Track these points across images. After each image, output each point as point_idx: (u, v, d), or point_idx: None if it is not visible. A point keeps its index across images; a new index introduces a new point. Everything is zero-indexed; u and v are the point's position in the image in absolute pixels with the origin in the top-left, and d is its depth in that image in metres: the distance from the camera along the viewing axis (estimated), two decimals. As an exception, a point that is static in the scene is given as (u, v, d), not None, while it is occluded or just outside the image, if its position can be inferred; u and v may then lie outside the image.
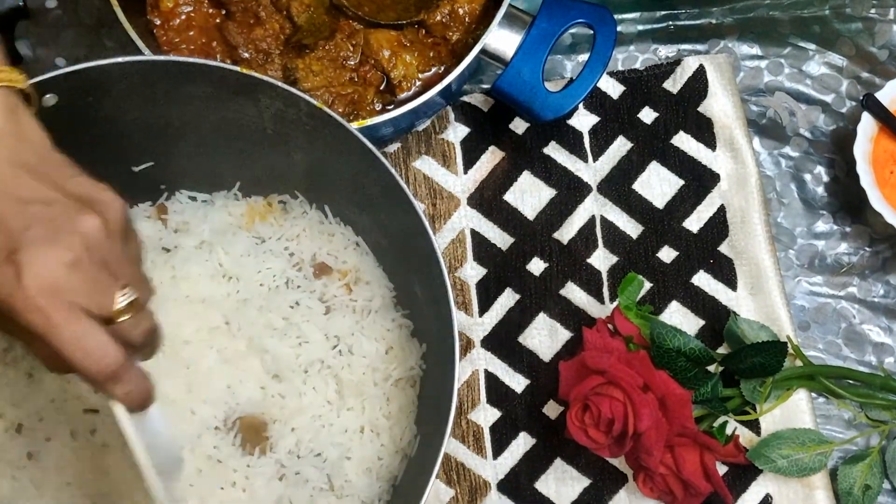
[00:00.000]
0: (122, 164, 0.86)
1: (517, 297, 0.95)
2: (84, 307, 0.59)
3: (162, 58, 0.81)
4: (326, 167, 0.84)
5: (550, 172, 0.98)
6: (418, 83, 0.94)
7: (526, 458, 0.92)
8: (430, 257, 0.78)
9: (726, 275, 0.95)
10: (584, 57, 1.01)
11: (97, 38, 1.00)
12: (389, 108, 0.93)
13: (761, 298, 0.94)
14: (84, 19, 1.01)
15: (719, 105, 0.98)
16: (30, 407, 0.82)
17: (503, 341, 0.94)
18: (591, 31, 0.91)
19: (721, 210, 0.97)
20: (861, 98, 0.96)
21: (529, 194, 0.97)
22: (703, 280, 0.95)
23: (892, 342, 0.96)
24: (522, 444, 0.92)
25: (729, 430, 0.88)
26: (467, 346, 0.94)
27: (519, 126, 0.98)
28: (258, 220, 0.89)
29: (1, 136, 0.62)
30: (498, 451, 0.92)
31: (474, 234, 0.97)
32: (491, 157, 0.98)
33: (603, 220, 0.97)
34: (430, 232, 0.78)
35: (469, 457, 0.92)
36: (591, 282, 0.95)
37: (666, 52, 1.02)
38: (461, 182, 0.98)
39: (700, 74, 0.99)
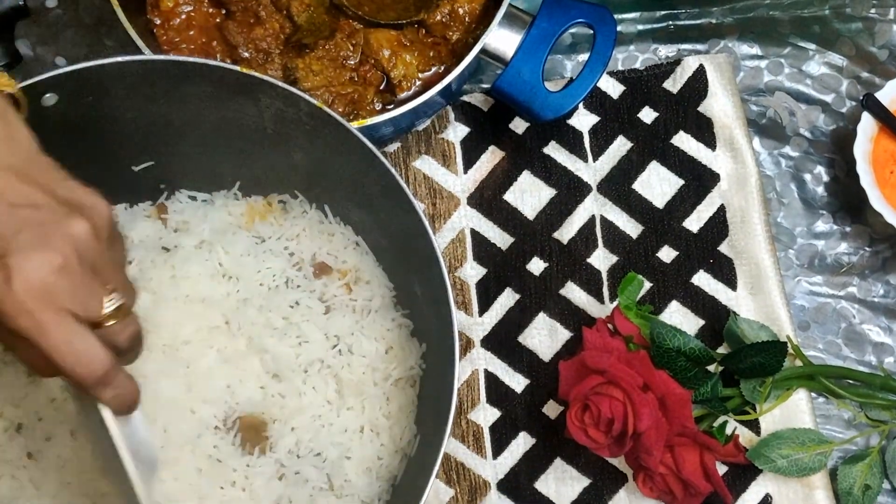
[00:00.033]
0: (121, 163, 0.86)
1: (517, 296, 0.95)
2: (73, 311, 0.59)
3: (162, 57, 0.81)
4: (326, 167, 0.84)
5: (550, 172, 0.98)
6: (418, 83, 0.94)
7: (526, 458, 0.92)
8: (430, 257, 0.78)
9: (726, 274, 0.95)
10: (584, 57, 1.01)
11: (97, 38, 1.00)
12: (389, 107, 0.93)
13: (761, 298, 0.94)
14: (84, 19, 1.01)
15: (719, 105, 0.98)
16: (29, 406, 0.82)
17: (503, 341, 0.94)
18: (591, 31, 0.91)
19: (721, 210, 0.97)
20: (861, 98, 0.96)
21: (529, 194, 0.97)
22: (702, 280, 0.95)
23: (891, 342, 0.96)
24: (522, 443, 0.92)
25: (729, 430, 0.88)
26: (467, 345, 0.94)
27: (519, 126, 0.98)
28: (258, 220, 0.89)
29: None
30: (498, 450, 0.92)
31: (474, 233, 0.97)
32: (491, 157, 0.98)
33: (603, 219, 0.97)
34: (430, 232, 0.78)
35: (469, 456, 0.92)
36: (590, 281, 0.95)
37: (666, 51, 1.02)
38: (461, 182, 0.98)
39: (700, 74, 0.99)
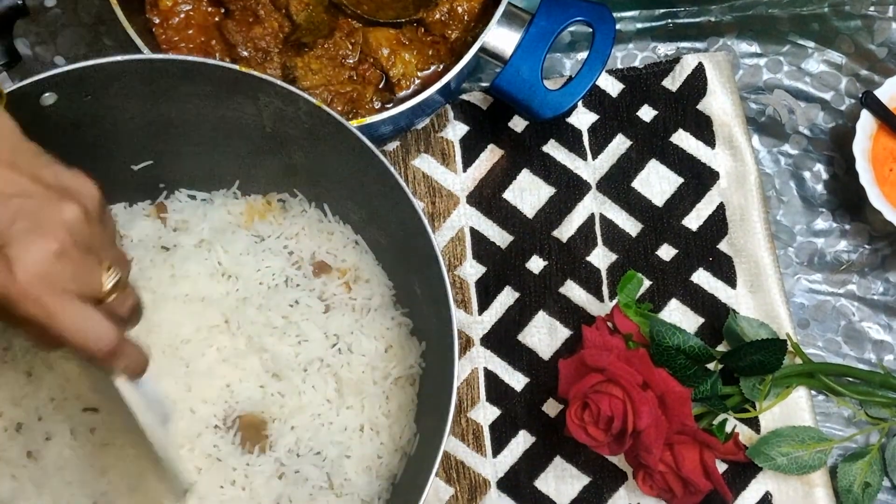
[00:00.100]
0: (120, 162, 0.86)
1: (516, 295, 0.95)
2: (76, 292, 0.62)
3: (161, 56, 0.81)
4: (325, 166, 0.84)
5: (550, 170, 0.98)
6: (417, 81, 0.94)
7: (525, 456, 0.92)
8: (430, 256, 0.78)
9: (726, 272, 0.95)
10: (583, 55, 1.01)
11: (96, 37, 1.00)
12: (388, 106, 0.93)
13: (761, 296, 0.94)
14: (83, 18, 1.01)
15: (718, 103, 0.98)
16: (29, 406, 0.82)
17: (503, 339, 0.94)
18: (590, 29, 0.91)
19: (720, 208, 0.97)
20: (860, 95, 0.96)
21: (529, 192, 0.97)
22: (702, 278, 0.95)
23: (891, 340, 0.96)
24: (522, 442, 0.92)
25: (728, 428, 0.88)
26: (467, 344, 0.94)
27: (518, 124, 0.98)
28: (257, 219, 0.89)
29: None
30: (497, 449, 0.92)
31: (473, 232, 0.97)
32: (490, 156, 0.98)
33: (602, 218, 0.97)
34: (430, 230, 0.78)
35: (469, 455, 0.92)
36: (590, 280, 0.95)
37: (665, 49, 1.02)
38: (460, 180, 0.98)
39: (699, 72, 0.99)
